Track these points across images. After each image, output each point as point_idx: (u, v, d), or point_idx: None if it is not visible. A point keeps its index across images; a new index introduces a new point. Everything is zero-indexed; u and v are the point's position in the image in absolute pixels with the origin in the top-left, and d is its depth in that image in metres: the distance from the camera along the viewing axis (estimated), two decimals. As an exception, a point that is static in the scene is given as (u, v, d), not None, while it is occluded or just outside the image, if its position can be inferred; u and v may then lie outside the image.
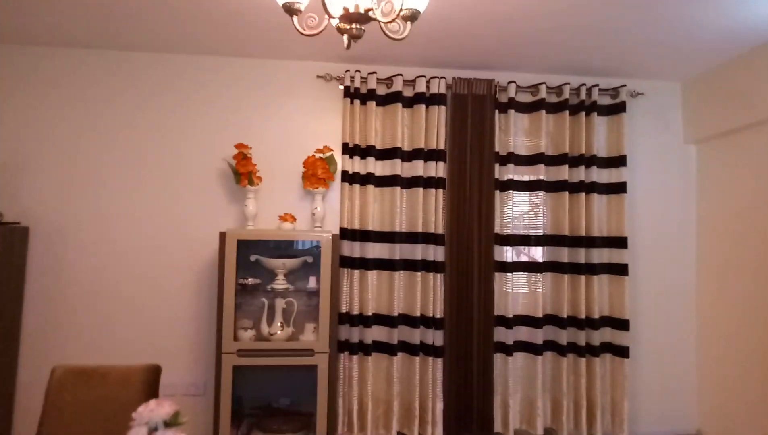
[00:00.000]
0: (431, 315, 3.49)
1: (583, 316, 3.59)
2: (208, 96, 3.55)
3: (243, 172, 3.33)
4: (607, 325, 3.66)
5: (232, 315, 3.07)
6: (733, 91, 3.43)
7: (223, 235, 3.10)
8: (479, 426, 3.46)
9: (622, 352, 3.60)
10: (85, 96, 3.46)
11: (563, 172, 3.65)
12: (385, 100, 3.61)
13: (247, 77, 3.58)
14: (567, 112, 3.66)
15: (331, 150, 3.49)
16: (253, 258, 3.27)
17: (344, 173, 3.52)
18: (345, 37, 1.79)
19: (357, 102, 3.55)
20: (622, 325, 3.62)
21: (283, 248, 3.43)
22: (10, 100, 3.39)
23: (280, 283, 3.25)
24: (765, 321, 3.26)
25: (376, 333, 3.51)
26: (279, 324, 3.22)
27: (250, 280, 3.29)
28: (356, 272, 3.48)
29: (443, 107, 3.59)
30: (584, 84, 3.67)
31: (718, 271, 3.67)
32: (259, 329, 3.23)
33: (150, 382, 2.14)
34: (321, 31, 1.73)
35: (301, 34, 1.73)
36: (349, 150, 3.53)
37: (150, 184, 3.48)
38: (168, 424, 1.21)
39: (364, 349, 3.47)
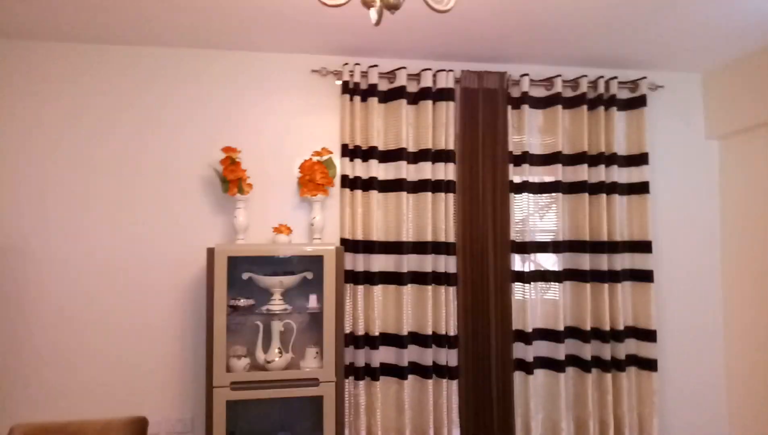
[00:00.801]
0: (444, 332, 3.16)
1: (607, 328, 3.30)
2: (190, 93, 3.14)
3: (232, 179, 2.94)
4: (632, 337, 3.39)
5: (224, 342, 2.68)
6: (758, 83, 3.19)
7: (211, 252, 2.71)
8: (501, 454, 3.13)
9: (650, 365, 3.33)
10: (56, 94, 3.01)
11: (582, 172, 3.36)
12: (387, 97, 3.27)
13: (233, 72, 3.18)
14: (585, 106, 3.37)
15: (330, 152, 3.13)
16: (245, 276, 2.88)
17: (344, 178, 3.16)
18: (373, 10, 1.45)
19: (357, 99, 3.19)
20: (649, 335, 3.34)
21: (279, 264, 3.05)
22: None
23: (277, 304, 2.87)
24: (805, 329, 3.03)
25: (384, 355, 3.16)
26: (277, 350, 2.84)
27: (243, 301, 2.90)
28: (360, 288, 3.13)
29: (451, 103, 3.26)
30: (602, 76, 3.39)
31: (745, 274, 3.42)
32: (254, 356, 2.85)
33: (133, 439, 1.75)
34: (348, 1, 1.38)
35: (324, 4, 1.38)
36: (349, 152, 3.18)
37: (127, 195, 3.05)
38: None
39: (371, 373, 3.11)
